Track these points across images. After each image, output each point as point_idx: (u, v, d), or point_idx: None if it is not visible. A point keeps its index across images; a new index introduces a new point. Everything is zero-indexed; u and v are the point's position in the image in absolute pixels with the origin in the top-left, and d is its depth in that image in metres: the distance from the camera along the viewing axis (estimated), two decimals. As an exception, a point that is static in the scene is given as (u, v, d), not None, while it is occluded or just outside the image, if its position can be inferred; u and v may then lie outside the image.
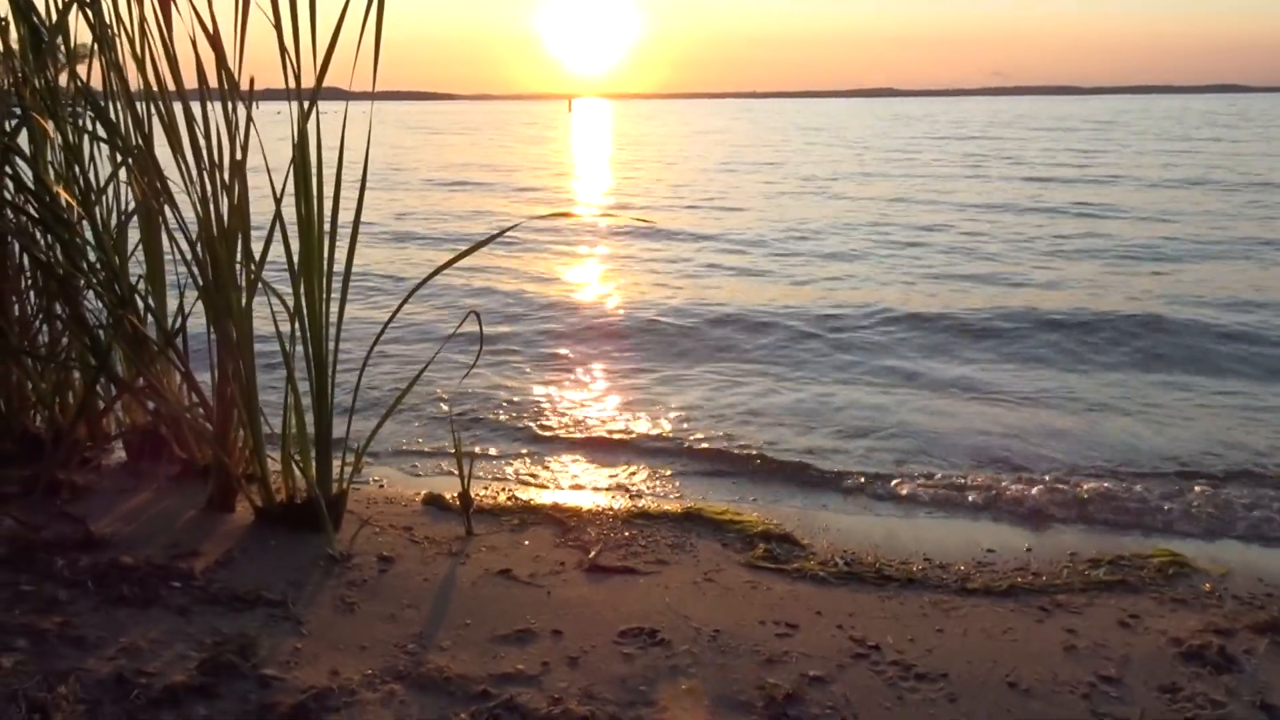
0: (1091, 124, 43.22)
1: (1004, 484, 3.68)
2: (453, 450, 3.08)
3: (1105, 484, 3.68)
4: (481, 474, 3.74)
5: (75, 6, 2.85)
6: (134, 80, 2.88)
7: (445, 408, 4.49)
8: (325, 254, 2.75)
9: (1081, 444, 4.04)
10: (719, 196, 15.19)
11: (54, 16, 2.95)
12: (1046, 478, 3.74)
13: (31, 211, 3.12)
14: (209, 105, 2.75)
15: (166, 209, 2.89)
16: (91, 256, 3.09)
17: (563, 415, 4.54)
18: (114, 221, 3.22)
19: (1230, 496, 3.58)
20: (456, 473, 3.10)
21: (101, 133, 3.05)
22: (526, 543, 2.90)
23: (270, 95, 2.86)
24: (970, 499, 3.55)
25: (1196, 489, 3.65)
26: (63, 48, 3.14)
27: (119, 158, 2.99)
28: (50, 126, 3.00)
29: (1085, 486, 3.64)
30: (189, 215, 2.82)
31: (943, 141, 31.33)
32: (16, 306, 3.33)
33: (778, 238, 10.50)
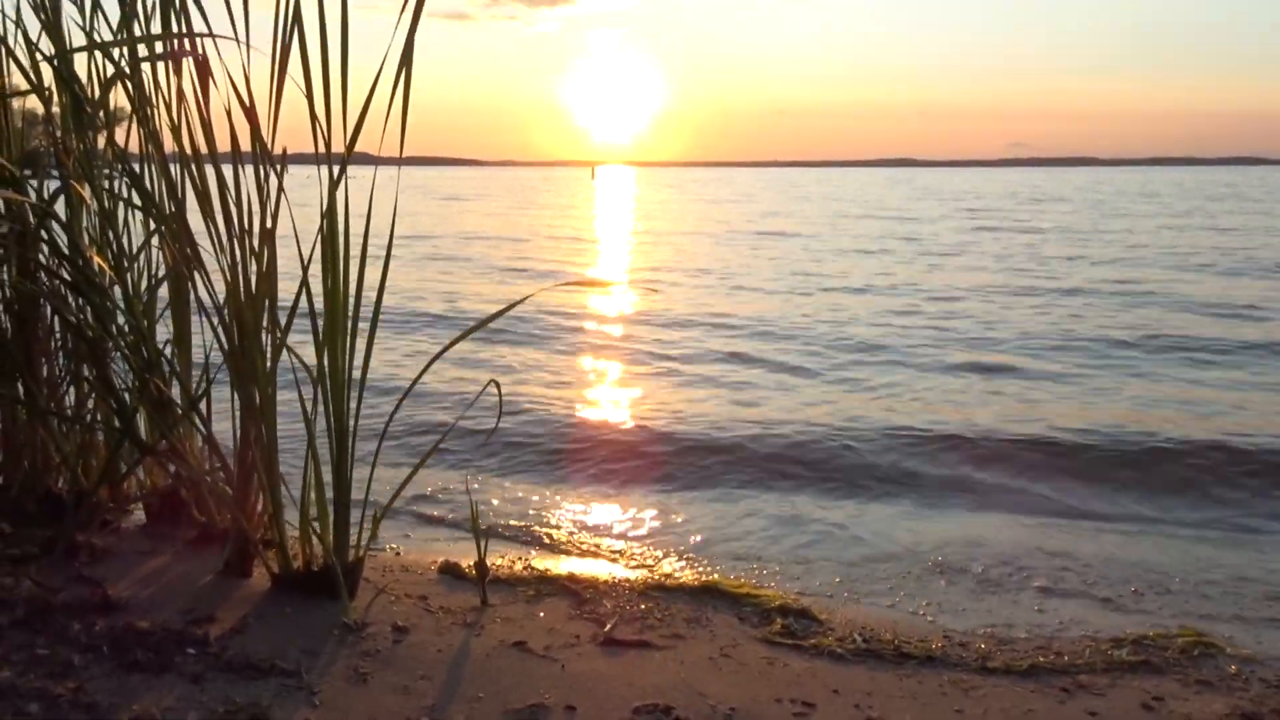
0: (1125, 196, 42.98)
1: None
2: (468, 520, 3.08)
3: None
4: (497, 544, 3.72)
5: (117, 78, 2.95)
6: (168, 144, 2.96)
7: (462, 480, 4.49)
8: (349, 321, 2.78)
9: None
10: (739, 274, 14.78)
11: (96, 86, 3.04)
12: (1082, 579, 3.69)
13: (65, 275, 3.19)
14: (240, 171, 2.82)
15: (195, 274, 2.95)
16: (120, 319, 3.15)
17: (578, 500, 4.52)
18: (144, 284, 3.29)
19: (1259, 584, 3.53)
20: (473, 541, 3.09)
21: (136, 199, 3.14)
22: (541, 614, 2.88)
23: (300, 159, 2.93)
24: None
25: (1220, 573, 3.60)
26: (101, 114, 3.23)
27: (152, 224, 3.06)
28: (87, 192, 3.08)
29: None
30: (216, 279, 2.88)
31: (962, 215, 31.32)
32: (45, 368, 3.38)
33: (802, 327, 9.82)
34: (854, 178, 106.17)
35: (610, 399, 6.81)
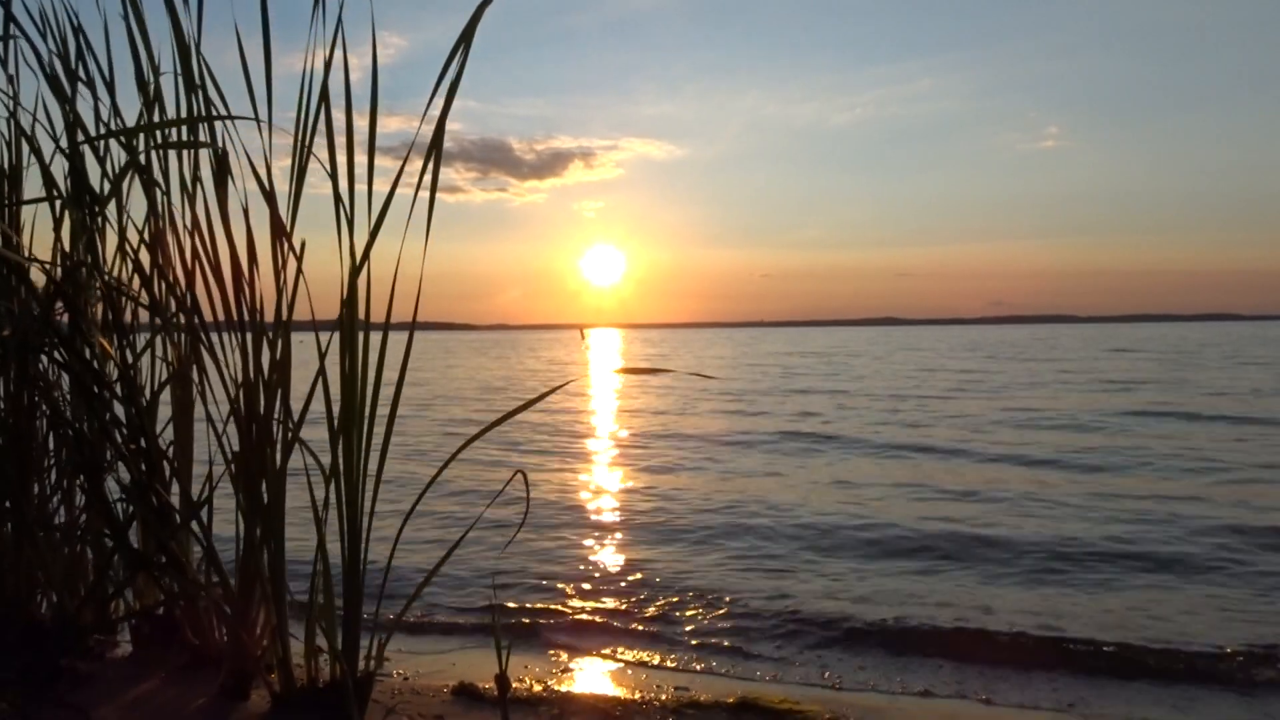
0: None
1: None
2: (486, 627, 2.84)
3: None
4: (518, 658, 3.44)
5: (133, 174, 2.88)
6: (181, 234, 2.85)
7: (483, 585, 4.20)
8: (368, 410, 2.61)
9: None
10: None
11: (110, 179, 2.97)
12: None
13: (67, 376, 3.03)
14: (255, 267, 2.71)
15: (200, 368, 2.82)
16: (121, 424, 2.97)
17: (604, 600, 4.23)
18: (148, 385, 3.13)
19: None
20: (489, 651, 2.84)
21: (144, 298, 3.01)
22: (569, 734, 2.60)
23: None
24: None
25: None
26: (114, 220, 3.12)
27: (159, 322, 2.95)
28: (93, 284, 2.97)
29: None
30: (225, 373, 2.73)
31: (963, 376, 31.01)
32: (36, 485, 3.19)
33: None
34: (841, 337, 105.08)
35: (639, 495, 6.47)
